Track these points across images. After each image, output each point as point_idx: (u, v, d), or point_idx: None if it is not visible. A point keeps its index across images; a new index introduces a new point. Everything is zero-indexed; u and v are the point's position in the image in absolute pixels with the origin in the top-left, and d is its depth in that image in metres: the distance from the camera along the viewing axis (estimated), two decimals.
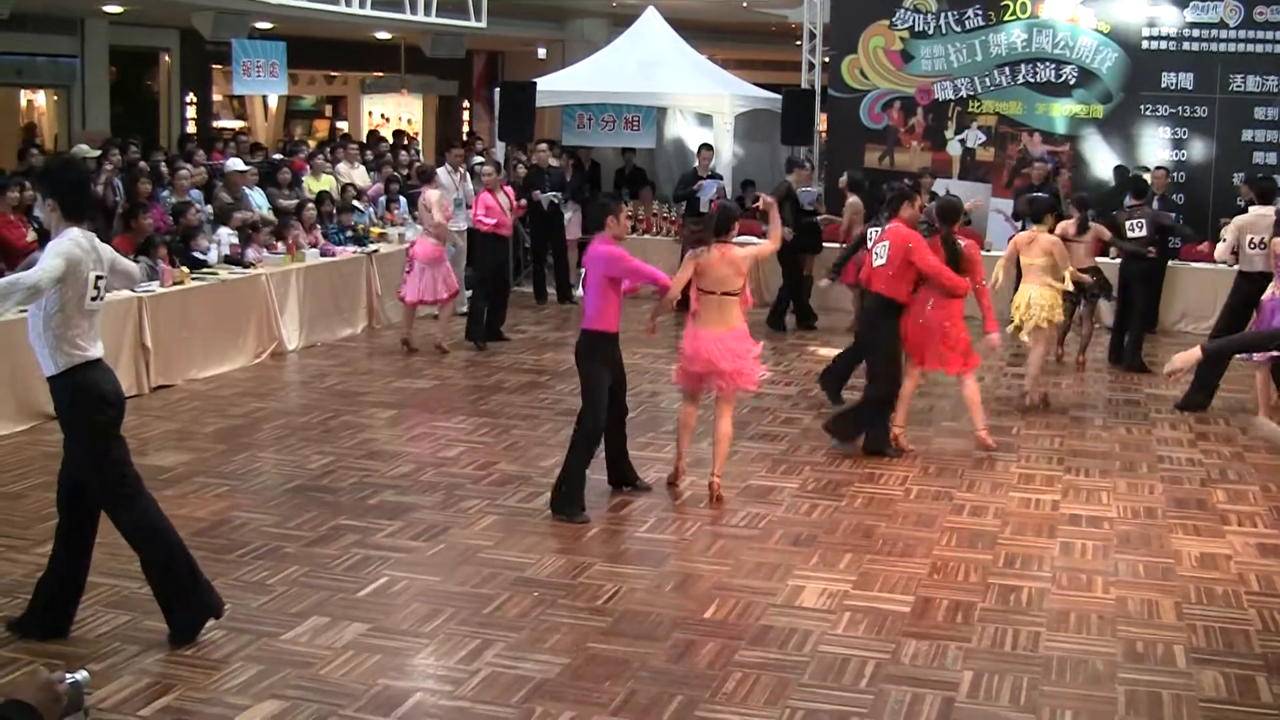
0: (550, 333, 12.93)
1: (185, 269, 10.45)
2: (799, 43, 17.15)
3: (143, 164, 12.36)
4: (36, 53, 16.55)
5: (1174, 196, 13.81)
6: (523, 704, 4.93)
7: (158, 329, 9.93)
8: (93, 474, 5.32)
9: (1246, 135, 14.28)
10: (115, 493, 5.34)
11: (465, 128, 24.46)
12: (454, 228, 12.66)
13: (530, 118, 15.45)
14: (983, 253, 9.44)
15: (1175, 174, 14.16)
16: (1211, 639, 5.70)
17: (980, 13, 15.10)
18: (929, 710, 4.95)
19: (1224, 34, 14.25)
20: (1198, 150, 14.47)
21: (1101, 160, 14.79)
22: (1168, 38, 14.47)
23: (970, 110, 15.25)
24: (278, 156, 14.54)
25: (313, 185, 13.68)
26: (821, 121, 16.78)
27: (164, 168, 12.35)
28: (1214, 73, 14.28)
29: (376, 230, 13.46)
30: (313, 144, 17.54)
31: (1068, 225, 10.72)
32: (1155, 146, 14.57)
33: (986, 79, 15.14)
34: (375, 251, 12.86)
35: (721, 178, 14.61)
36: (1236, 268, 10.43)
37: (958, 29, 15.19)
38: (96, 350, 5.29)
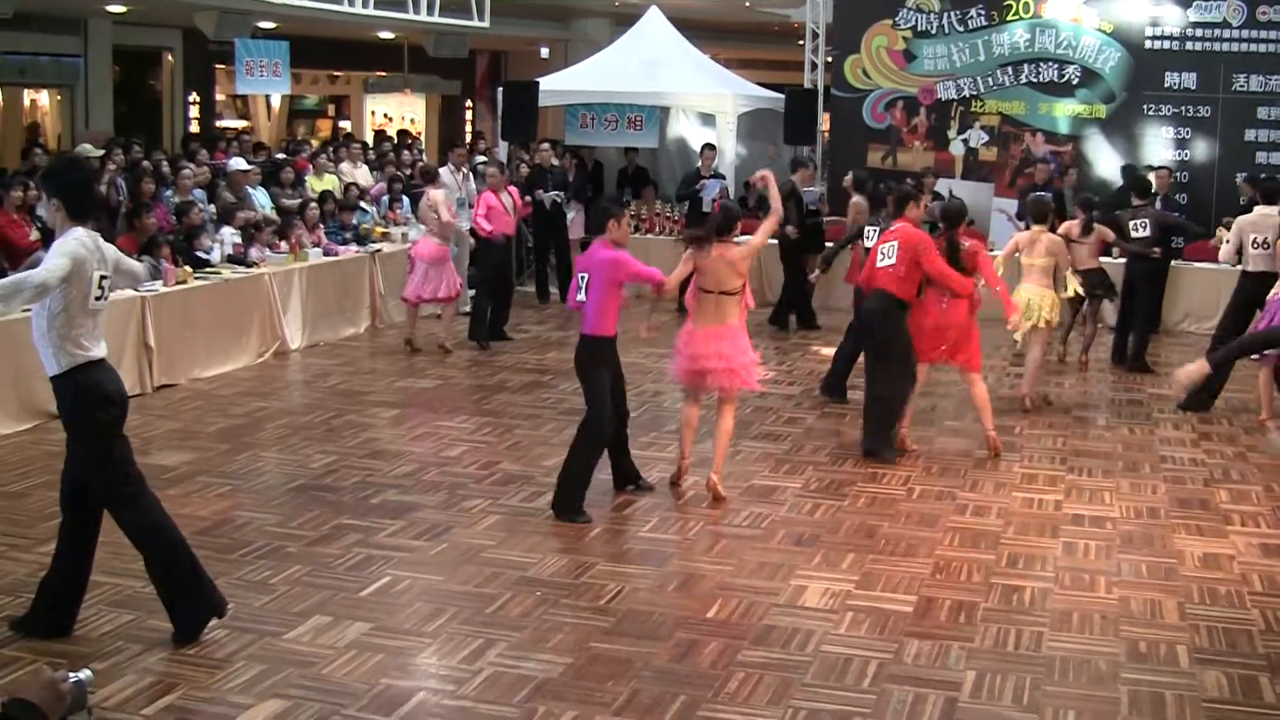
0: (553, 332, 12.92)
1: (188, 268, 10.45)
2: (802, 42, 17.16)
3: (146, 163, 12.34)
4: (40, 52, 16.57)
5: (1177, 196, 13.79)
6: (525, 704, 4.93)
7: (161, 328, 9.94)
8: (96, 473, 5.32)
9: (1249, 135, 14.29)
10: (118, 492, 5.34)
11: (468, 127, 24.46)
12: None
13: (533, 117, 15.44)
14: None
15: (1178, 174, 14.14)
16: (1214, 639, 5.69)
17: (983, 12, 15.10)
18: (931, 710, 4.95)
19: (1227, 34, 14.25)
20: (1200, 150, 14.47)
21: (1104, 160, 14.78)
22: (1170, 37, 14.47)
23: (973, 110, 15.25)
24: (281, 156, 14.52)
25: (315, 185, 13.68)
26: (824, 121, 16.78)
27: (167, 167, 12.33)
28: (1217, 72, 14.28)
29: (379, 230, 13.46)
30: (316, 143, 17.55)
31: (1071, 226, 10.71)
32: (1158, 146, 14.57)
33: (989, 79, 15.14)
34: (378, 251, 12.87)
35: (724, 177, 14.60)
36: (1240, 268, 10.44)
37: (960, 29, 15.19)
38: (100, 350, 5.29)
